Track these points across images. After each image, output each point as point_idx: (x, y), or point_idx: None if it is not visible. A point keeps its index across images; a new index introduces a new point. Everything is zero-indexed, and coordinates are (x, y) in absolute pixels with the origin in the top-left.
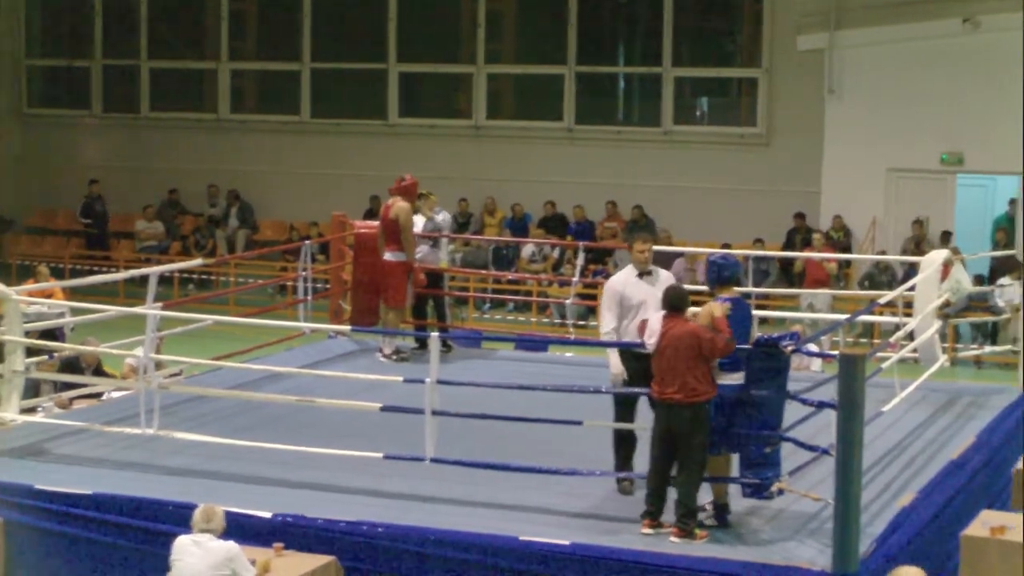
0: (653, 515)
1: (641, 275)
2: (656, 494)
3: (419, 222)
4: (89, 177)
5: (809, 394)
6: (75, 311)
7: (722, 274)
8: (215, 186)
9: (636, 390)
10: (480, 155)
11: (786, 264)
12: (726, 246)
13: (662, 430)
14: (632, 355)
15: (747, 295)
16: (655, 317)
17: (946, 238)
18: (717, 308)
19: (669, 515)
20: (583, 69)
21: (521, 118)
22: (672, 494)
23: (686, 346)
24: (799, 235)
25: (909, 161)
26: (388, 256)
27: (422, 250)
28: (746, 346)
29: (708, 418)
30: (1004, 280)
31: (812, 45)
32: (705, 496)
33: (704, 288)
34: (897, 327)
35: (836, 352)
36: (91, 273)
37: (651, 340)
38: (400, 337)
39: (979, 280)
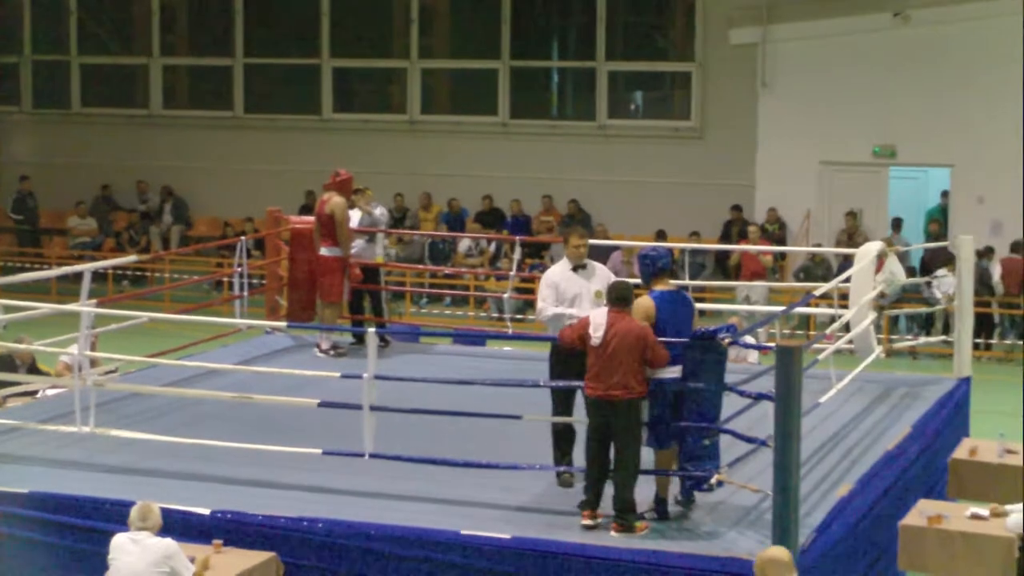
0: (592, 505)
1: (576, 269)
2: (595, 486)
3: (355, 217)
4: (20, 173)
5: (746, 386)
6: (7, 309)
7: (656, 265)
8: (144, 182)
9: (573, 383)
10: (415, 150)
11: (721, 257)
12: (660, 235)
13: (600, 426)
14: (569, 350)
15: (683, 288)
16: (598, 312)
17: (898, 224)
18: (651, 309)
19: (606, 507)
20: (517, 63)
21: (456, 113)
22: (609, 487)
23: (631, 344)
24: (735, 228)
25: (842, 154)
26: (324, 251)
27: (358, 245)
28: (683, 339)
29: (640, 413)
30: (940, 271)
31: (744, 39)
32: (648, 488)
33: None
34: (833, 319)
35: (773, 344)
36: (23, 270)
37: (597, 333)
38: (337, 333)
39: (912, 272)
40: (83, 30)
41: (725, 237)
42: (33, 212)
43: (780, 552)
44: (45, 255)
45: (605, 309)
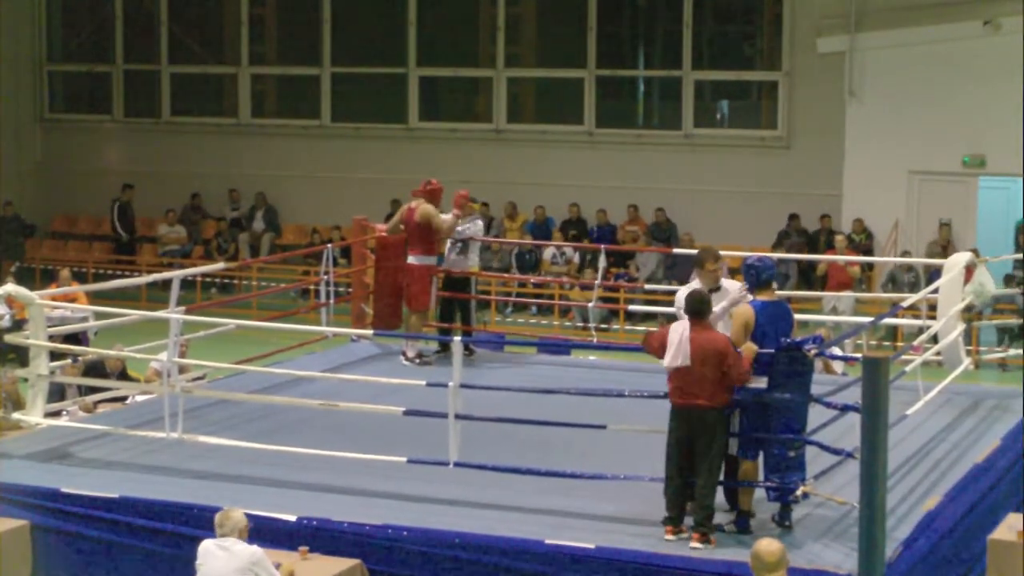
0: (676, 521)
1: (710, 292)
2: (677, 501)
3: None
4: (119, 182)
5: (833, 397)
6: (98, 315)
7: (760, 276)
8: (236, 190)
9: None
10: (501, 159)
11: (805, 267)
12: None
13: (681, 434)
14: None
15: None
16: (679, 324)
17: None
18: (748, 349)
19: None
20: (603, 72)
21: (541, 122)
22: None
23: (711, 358)
24: (821, 237)
25: (931, 163)
26: (412, 259)
27: (452, 259)
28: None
29: (725, 422)
30: None
31: (832, 48)
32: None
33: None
34: (921, 330)
35: (860, 355)
36: (114, 277)
37: (676, 357)
38: (423, 341)
39: (1006, 281)
40: (173, 40)
41: (812, 247)
42: (131, 221)
43: (763, 547)
44: (136, 262)
45: (686, 321)
